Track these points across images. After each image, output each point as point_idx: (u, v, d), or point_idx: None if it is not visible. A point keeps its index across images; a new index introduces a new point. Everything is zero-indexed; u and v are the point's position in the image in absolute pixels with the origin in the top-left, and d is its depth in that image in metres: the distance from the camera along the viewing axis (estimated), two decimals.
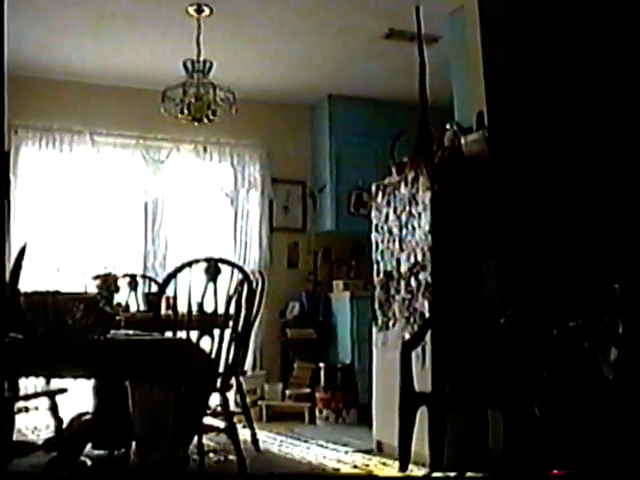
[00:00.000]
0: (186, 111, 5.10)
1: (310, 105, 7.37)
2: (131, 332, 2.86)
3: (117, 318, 3.28)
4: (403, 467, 3.89)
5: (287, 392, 6.49)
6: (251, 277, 4.40)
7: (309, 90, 7.04)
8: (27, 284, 2.75)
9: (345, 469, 4.45)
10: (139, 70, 6.40)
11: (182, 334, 3.97)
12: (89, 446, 4.28)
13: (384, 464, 4.50)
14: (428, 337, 4.32)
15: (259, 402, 6.40)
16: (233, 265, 4.22)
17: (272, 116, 7.24)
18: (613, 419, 2.99)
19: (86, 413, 4.42)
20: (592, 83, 4.87)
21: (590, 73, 4.87)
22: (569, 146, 4.71)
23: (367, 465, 4.53)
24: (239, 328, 4.32)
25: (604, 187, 4.73)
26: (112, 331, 2.61)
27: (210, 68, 5.18)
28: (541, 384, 3.01)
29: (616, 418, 2.99)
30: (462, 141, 4.66)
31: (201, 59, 5.20)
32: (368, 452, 4.87)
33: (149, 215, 6.84)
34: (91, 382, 4.27)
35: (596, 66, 4.88)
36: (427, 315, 4.36)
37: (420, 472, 4.19)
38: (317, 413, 6.22)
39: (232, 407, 5.06)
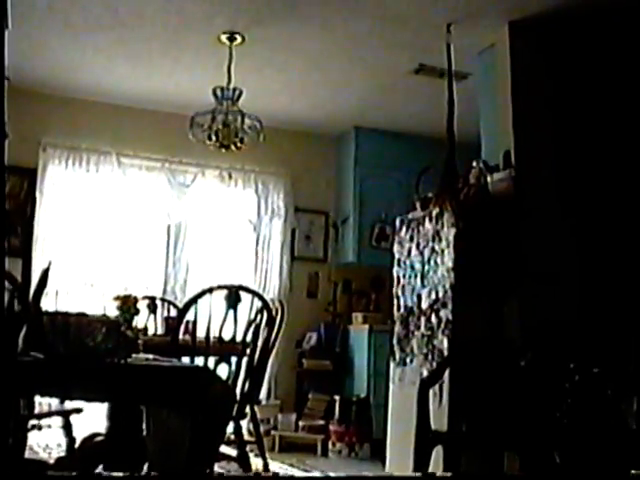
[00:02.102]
0: (214, 137, 5.12)
1: (336, 136, 7.40)
2: (151, 357, 2.85)
3: (139, 342, 3.27)
4: None
5: (300, 423, 6.44)
6: (270, 306, 4.39)
7: (336, 121, 7.07)
8: (49, 303, 2.76)
9: None
10: (168, 94, 6.45)
11: (199, 360, 3.96)
12: (100, 467, 4.26)
13: None
14: (446, 375, 4.28)
15: (272, 432, 6.35)
16: (253, 293, 4.21)
17: (298, 145, 7.27)
18: (636, 470, 2.93)
19: (99, 434, 4.40)
20: (620, 127, 4.86)
21: (618, 116, 4.86)
22: (595, 190, 4.69)
23: None
24: (256, 356, 4.30)
25: (628, 231, 4.70)
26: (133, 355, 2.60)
27: (239, 96, 5.21)
28: (561, 430, 2.96)
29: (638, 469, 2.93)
30: (488, 179, 4.65)
31: (231, 86, 5.23)
32: None
33: (171, 238, 6.86)
34: (106, 403, 4.25)
35: (624, 110, 4.87)
36: (446, 353, 4.33)
37: None
38: (330, 446, 6.16)
39: (245, 436, 5.03)
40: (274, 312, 4.66)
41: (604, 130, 4.88)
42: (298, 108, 6.77)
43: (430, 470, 3.90)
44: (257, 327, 4.29)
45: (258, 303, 4.24)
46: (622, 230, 4.73)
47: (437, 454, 4.09)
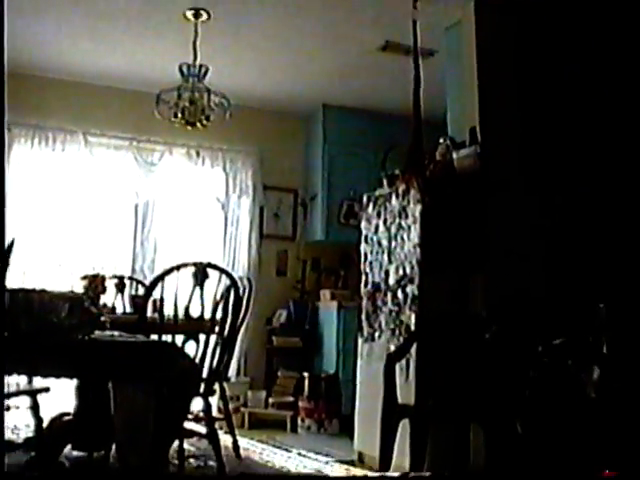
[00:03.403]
0: (180, 115, 5.09)
1: (304, 114, 7.38)
2: (116, 333, 2.85)
3: (103, 319, 3.26)
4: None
5: (270, 400, 6.47)
6: (239, 283, 4.40)
7: (304, 99, 7.05)
8: (14, 281, 2.74)
9: None
10: (134, 72, 6.40)
11: (167, 337, 3.97)
12: (68, 447, 4.26)
13: (364, 475, 4.49)
14: (413, 350, 4.33)
15: (242, 409, 6.38)
16: (221, 270, 4.21)
17: (266, 123, 7.25)
18: (594, 437, 2.99)
19: (67, 413, 4.40)
20: (585, 102, 4.90)
21: (583, 93, 4.90)
22: (560, 165, 4.74)
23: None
24: (225, 334, 4.31)
25: (593, 207, 4.76)
26: (97, 332, 2.60)
27: (206, 73, 5.18)
28: (523, 401, 3.01)
29: (597, 436, 3.00)
30: (454, 156, 4.67)
31: (197, 64, 5.20)
32: (349, 463, 4.87)
33: (139, 217, 6.83)
34: (74, 382, 4.25)
35: (589, 86, 4.91)
36: (413, 328, 4.37)
37: None
38: (299, 422, 6.20)
39: (214, 413, 5.05)
40: (242, 290, 4.67)
41: (569, 106, 4.91)
42: (266, 86, 6.74)
43: (396, 443, 3.96)
44: (225, 304, 4.30)
45: (226, 281, 4.25)
46: (587, 205, 4.79)
47: (404, 427, 4.16)
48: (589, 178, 4.78)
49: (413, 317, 4.39)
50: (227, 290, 4.26)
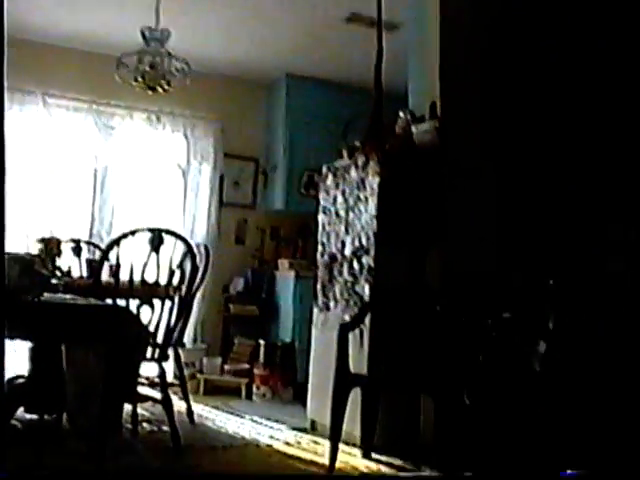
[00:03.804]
0: (140, 79, 5.04)
1: (267, 83, 7.35)
2: (69, 297, 2.85)
3: (56, 282, 3.26)
4: (334, 446, 3.95)
5: (226, 367, 6.51)
6: (195, 250, 4.40)
7: (267, 68, 7.02)
8: None
9: (277, 445, 4.50)
10: (95, 34, 6.30)
11: (122, 302, 3.97)
12: (21, 409, 4.25)
13: (316, 442, 4.56)
14: (367, 320, 4.38)
15: (197, 375, 6.41)
16: (177, 236, 4.21)
17: (229, 91, 7.20)
18: (538, 410, 3.08)
19: (20, 376, 4.39)
20: (546, 79, 4.95)
21: (545, 69, 4.95)
22: (517, 142, 4.79)
23: (299, 443, 4.59)
24: (180, 300, 4.32)
25: (548, 186, 4.84)
26: (48, 294, 2.60)
27: (167, 37, 5.11)
28: (472, 372, 3.08)
29: (541, 409, 3.08)
30: (414, 130, 4.70)
31: (159, 28, 5.14)
32: (302, 430, 4.93)
33: (98, 181, 6.77)
34: (27, 345, 4.23)
35: (552, 61, 4.96)
36: (367, 299, 4.42)
37: (350, 451, 4.27)
38: (254, 389, 6.26)
39: (170, 379, 5.08)
40: (198, 257, 4.68)
41: (530, 82, 4.96)
42: (229, 53, 6.69)
43: (347, 411, 4.02)
44: (181, 271, 4.31)
45: (183, 247, 4.25)
46: (541, 182, 4.86)
47: (357, 396, 4.24)
48: (544, 155, 4.85)
49: (368, 288, 4.44)
50: (183, 257, 4.27)
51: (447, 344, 3.41)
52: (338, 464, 3.97)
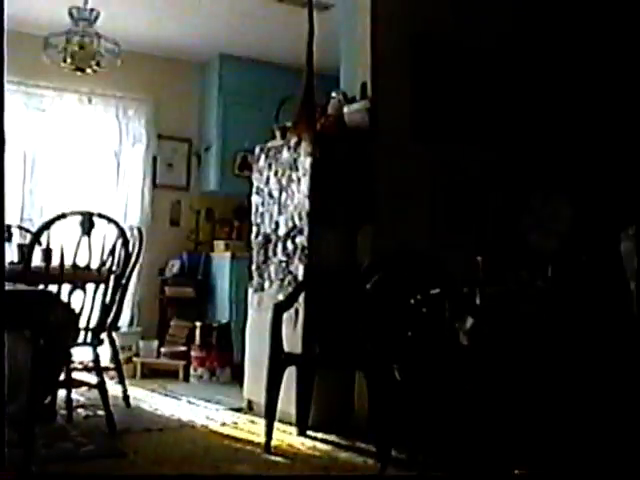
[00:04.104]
0: (69, 60, 4.96)
1: (200, 63, 7.30)
2: None
3: None
4: (269, 425, 3.99)
5: (162, 350, 6.49)
6: (127, 233, 4.37)
7: (200, 48, 6.96)
8: None
9: (213, 426, 4.52)
10: (22, 13, 6.14)
11: (54, 288, 3.92)
12: None
13: (252, 422, 4.59)
14: (302, 299, 4.42)
15: (134, 359, 6.37)
16: (108, 220, 4.18)
17: (161, 71, 7.11)
18: (466, 383, 3.16)
19: None
20: (475, 58, 5.03)
21: (474, 49, 5.03)
22: (445, 125, 4.87)
23: (235, 423, 4.62)
24: (112, 284, 4.30)
25: (475, 165, 4.94)
26: None
27: (96, 18, 5.04)
28: (402, 348, 3.14)
29: (469, 382, 3.17)
30: (345, 110, 4.74)
31: (88, 7, 5.05)
32: (238, 410, 4.96)
33: (28, 164, 6.63)
34: None
35: (480, 42, 5.04)
36: (301, 278, 4.46)
37: (287, 429, 4.32)
38: (192, 371, 6.25)
39: (107, 363, 5.05)
40: (132, 239, 4.65)
41: (459, 62, 5.03)
42: (161, 33, 6.61)
43: (283, 390, 4.07)
44: (113, 254, 4.28)
45: (115, 230, 4.22)
46: (471, 162, 4.96)
47: (292, 375, 4.29)
48: (471, 134, 4.95)
49: (301, 268, 4.47)
50: (116, 240, 4.24)
51: (377, 321, 3.47)
52: (274, 442, 4.01)
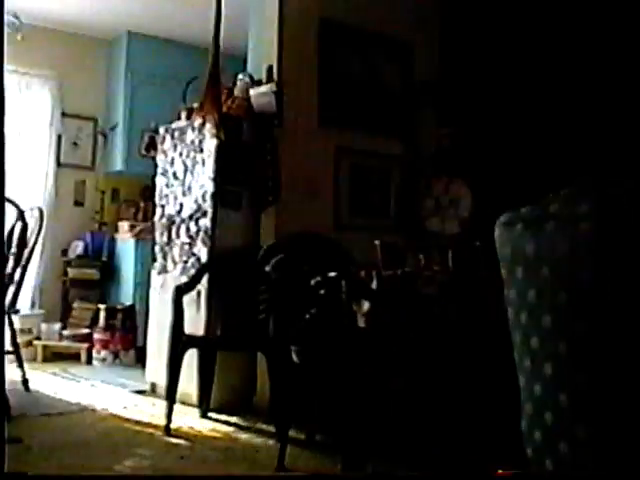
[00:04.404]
0: None
1: (108, 40, 7.15)
2: None
3: None
4: (170, 407, 3.98)
5: (65, 332, 6.36)
6: (27, 213, 4.27)
7: (108, 24, 6.81)
8: None
9: (114, 409, 4.47)
10: None
11: None
12: None
13: (154, 405, 4.57)
14: (205, 282, 4.41)
15: (35, 342, 6.23)
16: (7, 200, 4.06)
17: (67, 47, 6.93)
18: (363, 365, 3.22)
19: None
20: (382, 43, 5.09)
21: (383, 36, 5.09)
22: (350, 111, 4.93)
23: (137, 406, 4.58)
24: (9, 265, 4.19)
25: (380, 150, 5.01)
26: None
27: None
28: (300, 330, 3.17)
29: (365, 364, 3.23)
30: (252, 92, 4.72)
31: None
32: (141, 393, 4.92)
33: None
34: None
35: (387, 27, 5.11)
36: (204, 261, 4.45)
37: (188, 411, 4.31)
38: (95, 354, 6.15)
39: (7, 347, 4.91)
40: (32, 220, 4.55)
41: (369, 50, 5.09)
42: (66, 7, 6.42)
43: (186, 372, 4.06)
44: (11, 236, 4.18)
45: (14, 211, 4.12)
46: (377, 147, 5.03)
47: (194, 357, 4.28)
48: (377, 121, 5.01)
49: (205, 250, 4.46)
50: (15, 221, 4.14)
51: (276, 303, 3.50)
52: (175, 425, 4.01)
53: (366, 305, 3.15)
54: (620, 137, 4.38)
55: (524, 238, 1.53)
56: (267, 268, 3.18)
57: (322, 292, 3.25)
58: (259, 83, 4.77)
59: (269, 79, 4.68)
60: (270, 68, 4.69)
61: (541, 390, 1.51)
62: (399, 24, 5.22)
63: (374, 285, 3.25)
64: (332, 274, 3.25)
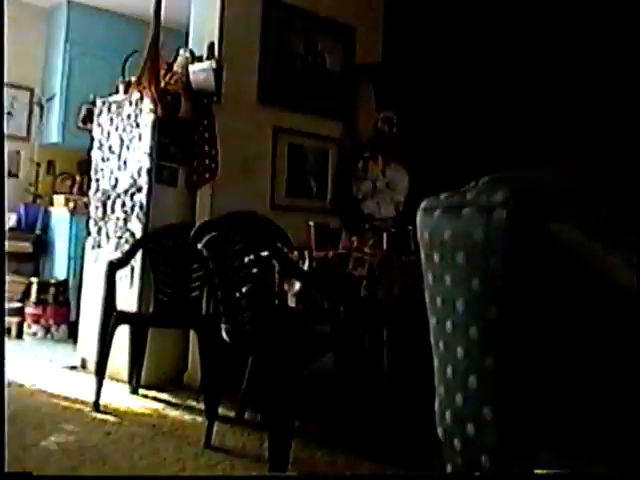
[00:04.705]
0: None
1: (47, 8, 6.97)
2: None
3: None
4: (99, 383, 3.96)
5: None
6: None
7: None
8: None
9: (43, 385, 4.42)
10: None
11: None
12: None
13: (83, 380, 4.52)
14: (139, 258, 4.38)
15: None
16: None
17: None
18: (292, 344, 3.25)
19: None
20: (326, 31, 5.09)
21: (325, 22, 5.09)
22: (291, 92, 4.93)
23: (66, 381, 4.54)
24: None
25: (320, 132, 5.03)
26: None
27: None
28: (231, 308, 3.18)
29: (295, 343, 3.26)
30: (191, 68, 4.68)
31: None
32: (72, 369, 4.87)
33: None
34: None
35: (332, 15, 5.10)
36: (138, 236, 4.41)
37: (119, 388, 4.30)
38: (26, 328, 6.05)
39: None
40: None
41: (312, 31, 5.09)
42: None
43: (117, 349, 4.04)
44: None
45: None
46: (316, 129, 5.05)
47: (126, 333, 4.26)
48: (317, 103, 5.02)
49: (140, 226, 4.43)
50: None
51: (207, 280, 3.49)
52: (104, 401, 3.99)
53: (297, 285, 3.18)
54: (557, 123, 4.47)
55: (442, 224, 1.56)
56: (199, 245, 3.17)
57: (254, 271, 3.27)
58: (200, 59, 4.72)
59: (210, 56, 4.64)
60: (212, 45, 4.65)
61: (452, 372, 1.56)
62: (343, 7, 5.24)
63: (305, 266, 3.28)
64: (264, 253, 3.26)
